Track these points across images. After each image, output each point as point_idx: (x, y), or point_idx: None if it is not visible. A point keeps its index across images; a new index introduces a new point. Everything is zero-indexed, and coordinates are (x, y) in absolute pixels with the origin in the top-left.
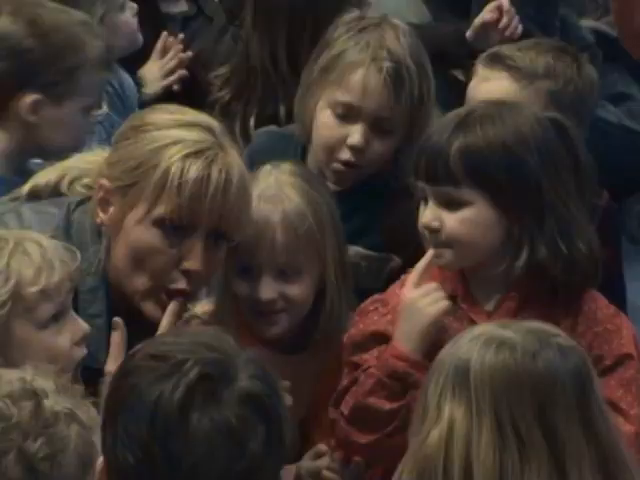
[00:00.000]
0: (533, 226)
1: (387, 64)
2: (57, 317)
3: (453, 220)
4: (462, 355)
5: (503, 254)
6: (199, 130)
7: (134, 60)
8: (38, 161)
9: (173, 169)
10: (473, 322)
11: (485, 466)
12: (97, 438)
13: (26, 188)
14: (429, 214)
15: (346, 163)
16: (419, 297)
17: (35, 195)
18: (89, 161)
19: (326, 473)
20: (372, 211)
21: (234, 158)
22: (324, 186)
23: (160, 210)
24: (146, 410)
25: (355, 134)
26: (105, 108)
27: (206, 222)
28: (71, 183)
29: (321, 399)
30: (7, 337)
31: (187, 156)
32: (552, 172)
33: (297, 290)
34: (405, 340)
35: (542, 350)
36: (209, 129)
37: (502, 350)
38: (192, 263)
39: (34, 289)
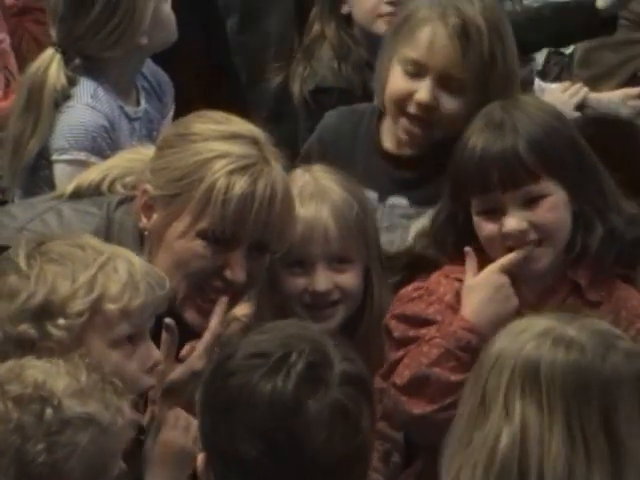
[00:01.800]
0: (596, 198)
1: (454, 20)
2: (132, 339)
3: (542, 214)
4: (530, 353)
5: (577, 234)
6: (244, 143)
7: (168, 56)
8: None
9: (218, 184)
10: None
11: (556, 469)
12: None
13: (70, 188)
14: (513, 220)
15: (414, 118)
16: (507, 284)
17: (78, 195)
18: (131, 159)
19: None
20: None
21: (278, 172)
22: (354, 181)
23: (204, 223)
24: (263, 404)
25: (422, 89)
26: (143, 104)
27: (250, 235)
28: (112, 183)
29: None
30: (79, 348)
31: (232, 172)
32: (590, 149)
33: (350, 279)
34: (477, 315)
35: (610, 353)
36: (254, 141)
37: (572, 351)
38: (235, 274)
39: (114, 306)
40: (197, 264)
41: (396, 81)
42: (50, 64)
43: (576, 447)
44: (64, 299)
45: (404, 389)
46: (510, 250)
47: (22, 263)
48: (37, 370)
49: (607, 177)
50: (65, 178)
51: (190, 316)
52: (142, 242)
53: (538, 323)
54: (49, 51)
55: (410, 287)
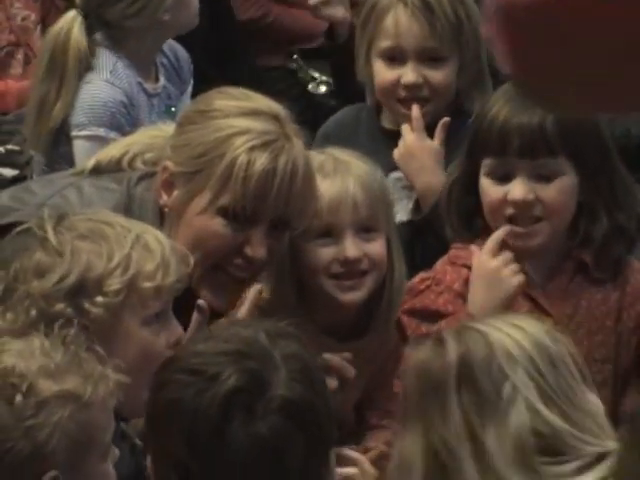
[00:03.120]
0: (605, 189)
1: None
2: (159, 317)
3: (551, 191)
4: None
5: (582, 220)
6: (265, 119)
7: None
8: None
9: (239, 161)
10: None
11: None
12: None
13: (90, 164)
14: (521, 189)
15: (408, 101)
16: (501, 266)
17: (98, 171)
18: (152, 135)
19: None
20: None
21: (299, 148)
22: None
23: (224, 200)
24: (183, 427)
25: (406, 72)
26: (162, 80)
27: (271, 212)
28: (133, 159)
29: (376, 381)
30: (114, 326)
31: (253, 148)
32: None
33: (378, 248)
34: (480, 309)
35: None
36: (275, 118)
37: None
38: (255, 250)
39: (150, 284)
40: (216, 242)
41: (380, 74)
42: (72, 26)
43: None
44: (100, 277)
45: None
46: (510, 221)
47: (51, 238)
48: (8, 354)
49: (624, 177)
50: (84, 154)
51: (205, 294)
52: (162, 219)
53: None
54: (71, 13)
55: (417, 279)
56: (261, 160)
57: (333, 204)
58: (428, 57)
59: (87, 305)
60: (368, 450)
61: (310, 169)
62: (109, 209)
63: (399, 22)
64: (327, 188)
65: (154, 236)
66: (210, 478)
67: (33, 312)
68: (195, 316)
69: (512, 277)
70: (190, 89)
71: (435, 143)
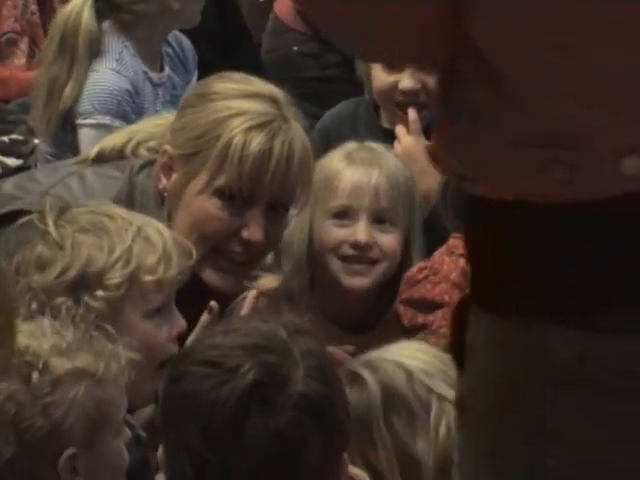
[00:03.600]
0: None
1: None
2: (161, 310)
3: None
4: None
5: None
6: (263, 101)
7: None
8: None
9: (235, 141)
10: None
11: None
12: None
13: (93, 152)
14: None
15: (405, 106)
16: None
17: (101, 159)
18: (156, 124)
19: None
20: None
21: (297, 130)
22: None
23: (221, 181)
24: (200, 419)
25: (404, 77)
26: (167, 70)
27: (267, 194)
28: (136, 147)
29: None
30: (115, 320)
31: (250, 129)
32: None
33: (392, 241)
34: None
35: None
36: (274, 100)
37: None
38: (252, 233)
39: (151, 278)
40: (214, 224)
41: (378, 77)
42: (83, 9)
43: None
44: (101, 271)
45: None
46: None
47: (52, 231)
48: (20, 335)
49: None
50: (90, 142)
51: (208, 275)
52: (164, 205)
53: None
54: None
55: (415, 269)
56: (257, 140)
57: (355, 187)
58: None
59: (88, 299)
60: None
61: (307, 151)
62: (111, 197)
63: None
64: (351, 173)
65: (155, 228)
66: (227, 471)
67: (34, 305)
68: (205, 316)
69: None
70: (195, 80)
71: None
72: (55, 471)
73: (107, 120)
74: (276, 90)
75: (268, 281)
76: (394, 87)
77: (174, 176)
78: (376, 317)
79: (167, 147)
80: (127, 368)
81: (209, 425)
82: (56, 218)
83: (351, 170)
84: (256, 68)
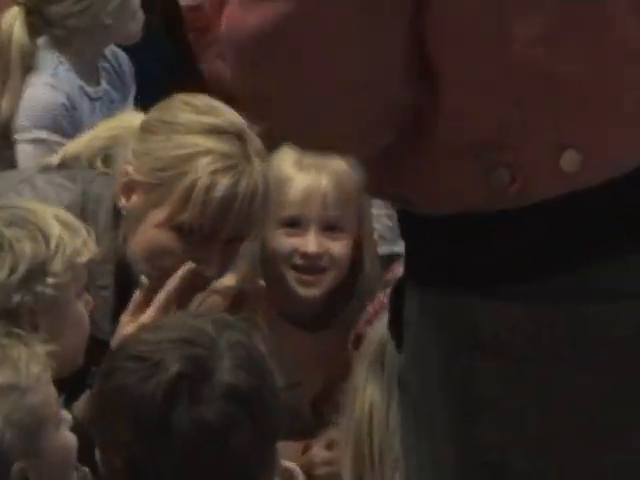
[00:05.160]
0: None
1: None
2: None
3: None
4: (383, 335)
5: None
6: (228, 139)
7: None
8: None
9: (200, 183)
10: None
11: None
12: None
13: (56, 159)
14: None
15: None
16: None
17: (64, 166)
18: (111, 127)
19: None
20: None
21: (259, 169)
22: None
23: (182, 218)
24: (129, 413)
25: None
26: (104, 84)
27: (228, 231)
28: (93, 156)
29: (334, 377)
30: (63, 304)
31: (215, 172)
32: None
33: (341, 248)
34: None
35: None
36: (239, 136)
37: None
38: (208, 270)
39: (82, 259)
40: (169, 259)
41: None
42: (14, 23)
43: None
44: (46, 260)
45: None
46: None
47: None
48: None
49: None
50: (27, 157)
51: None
52: (117, 218)
53: None
54: (14, 10)
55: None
56: (222, 184)
57: (303, 196)
58: None
59: (41, 288)
60: (309, 448)
61: (268, 188)
62: (64, 207)
63: None
64: (301, 180)
65: (64, 214)
66: (155, 463)
67: None
68: (136, 295)
69: None
70: (133, 94)
71: None
72: None
73: (44, 134)
74: (240, 122)
75: (224, 279)
76: None
77: (134, 198)
78: (330, 316)
79: (129, 169)
80: (48, 362)
81: (137, 419)
82: None
83: (300, 178)
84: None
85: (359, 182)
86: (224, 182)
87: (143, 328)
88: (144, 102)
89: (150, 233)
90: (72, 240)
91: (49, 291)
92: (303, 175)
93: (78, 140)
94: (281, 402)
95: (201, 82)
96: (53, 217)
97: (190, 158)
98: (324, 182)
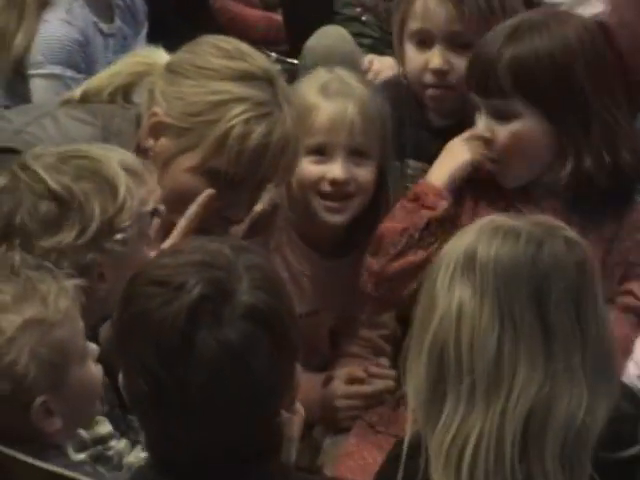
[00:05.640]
0: (579, 136)
1: None
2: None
3: (504, 132)
4: (469, 243)
5: (550, 165)
6: (260, 86)
7: None
8: None
9: (234, 132)
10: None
11: (485, 344)
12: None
13: (77, 93)
14: (481, 125)
15: (434, 86)
16: (460, 140)
17: (86, 101)
18: (135, 63)
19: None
20: None
21: (290, 116)
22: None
23: (215, 164)
24: (152, 337)
25: (434, 56)
26: (117, 21)
27: (258, 180)
28: (115, 91)
29: (352, 306)
30: (131, 256)
31: (249, 120)
32: (599, 80)
33: (367, 174)
34: (433, 176)
35: (548, 241)
36: (270, 81)
37: (508, 239)
38: (236, 213)
39: (148, 209)
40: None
41: (410, 56)
42: None
43: (505, 326)
44: (114, 216)
45: (371, 253)
46: None
47: (53, 185)
48: None
49: (605, 118)
50: (42, 92)
51: None
52: (141, 157)
53: (486, 218)
54: None
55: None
56: (256, 133)
57: (330, 124)
58: (455, 43)
59: (110, 245)
60: (332, 379)
61: (297, 136)
62: (86, 141)
63: (428, 5)
64: (327, 108)
65: (131, 158)
66: (179, 384)
67: (65, 264)
68: (155, 221)
69: (466, 152)
70: (145, 31)
71: None
72: (29, 419)
73: (58, 70)
74: (269, 67)
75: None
76: (425, 66)
77: (162, 140)
78: (353, 243)
79: (158, 110)
80: (77, 296)
81: (161, 342)
82: (45, 168)
83: (326, 105)
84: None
85: (383, 108)
86: (258, 131)
87: (159, 254)
88: (155, 38)
89: (181, 177)
90: (138, 189)
91: (117, 247)
92: (329, 103)
93: (100, 75)
94: (296, 320)
95: (211, 18)
96: (119, 164)
97: (223, 104)
98: (350, 109)
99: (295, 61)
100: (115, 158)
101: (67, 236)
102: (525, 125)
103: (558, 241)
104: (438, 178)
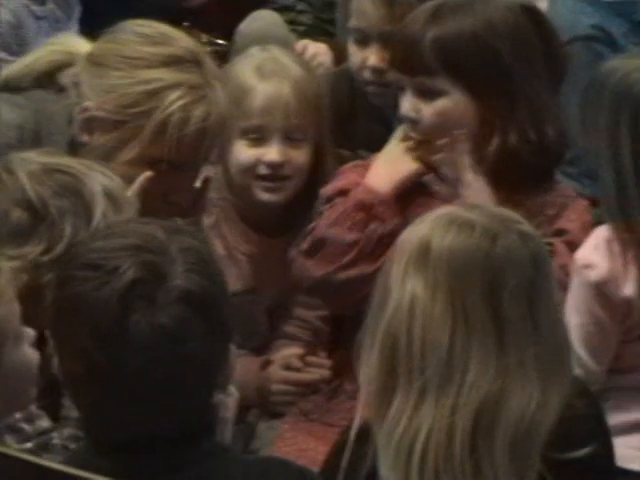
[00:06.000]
0: (505, 113)
1: None
2: None
3: (429, 110)
4: (424, 235)
5: (476, 143)
6: (189, 68)
7: None
8: None
9: (173, 119)
10: None
11: (437, 339)
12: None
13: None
14: (407, 104)
15: (374, 83)
16: (398, 146)
17: (6, 88)
18: (53, 51)
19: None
20: None
21: (222, 93)
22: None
23: (156, 153)
24: (86, 320)
25: (371, 56)
26: (50, 4)
27: (199, 160)
28: (36, 79)
29: (291, 288)
30: None
31: (186, 105)
32: (523, 58)
33: (302, 156)
34: (377, 179)
35: (502, 234)
36: (197, 63)
37: (462, 231)
38: (179, 197)
39: None
40: (141, 194)
41: (351, 52)
42: None
43: (457, 320)
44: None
45: (307, 253)
46: None
47: (31, 195)
48: None
49: (529, 96)
50: None
51: None
52: (75, 150)
53: (441, 209)
54: None
55: (351, 163)
56: (195, 118)
57: (265, 107)
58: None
59: None
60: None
61: (231, 113)
62: (17, 124)
63: (360, 5)
64: (262, 90)
65: (114, 184)
66: (115, 367)
67: (24, 278)
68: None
69: (408, 162)
70: (78, 14)
71: None
72: None
73: None
74: (195, 47)
75: None
76: (364, 64)
77: (97, 135)
78: (291, 222)
79: (89, 105)
80: (12, 276)
81: (95, 326)
82: (28, 175)
83: (260, 87)
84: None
85: (319, 89)
86: (196, 115)
87: (90, 236)
88: (88, 22)
89: (121, 170)
90: (113, 217)
91: None
92: (264, 84)
93: (21, 61)
94: (230, 304)
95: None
96: (101, 188)
97: (157, 93)
98: (285, 91)
99: (226, 42)
100: (98, 180)
101: (33, 250)
102: (450, 103)
103: (512, 235)
104: (382, 187)
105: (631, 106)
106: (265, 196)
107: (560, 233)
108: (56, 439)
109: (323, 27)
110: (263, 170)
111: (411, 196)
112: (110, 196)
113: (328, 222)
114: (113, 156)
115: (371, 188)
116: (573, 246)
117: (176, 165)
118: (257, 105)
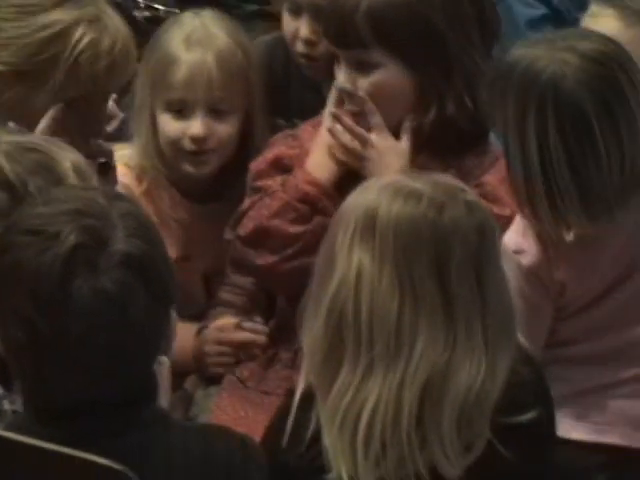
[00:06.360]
0: (441, 83)
1: None
2: None
3: (365, 83)
4: (370, 204)
5: (414, 112)
6: (82, 2)
7: None
8: None
9: (83, 57)
10: None
11: (384, 311)
12: None
13: None
14: (343, 77)
15: (305, 55)
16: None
17: None
18: None
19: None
20: None
21: (118, 18)
22: (246, 34)
23: (71, 93)
24: (28, 286)
25: (302, 28)
26: None
27: (114, 90)
28: None
29: (225, 253)
30: None
31: (92, 41)
32: (457, 26)
33: (228, 129)
34: (319, 169)
35: (449, 204)
36: None
37: (409, 201)
38: (100, 128)
39: None
40: (67, 135)
41: (284, 22)
42: None
43: (405, 293)
44: None
45: (247, 241)
46: None
47: (9, 175)
48: None
49: (465, 64)
50: None
51: None
52: None
53: (386, 178)
54: None
55: (280, 134)
56: (103, 51)
57: (188, 79)
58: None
59: None
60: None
61: (131, 36)
62: None
63: None
64: (186, 60)
65: (82, 160)
66: (57, 333)
67: None
68: None
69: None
70: None
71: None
72: None
73: None
74: None
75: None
76: (296, 34)
77: (5, 91)
78: (223, 189)
79: None
80: None
81: (37, 291)
82: (5, 155)
83: (185, 58)
84: None
85: (246, 58)
86: (104, 47)
87: (31, 203)
88: None
89: (40, 116)
90: None
91: None
92: (188, 55)
93: None
94: (171, 268)
95: None
96: (70, 163)
97: (60, 35)
98: (209, 63)
99: (161, 7)
100: (68, 158)
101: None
102: (386, 75)
103: (459, 205)
104: (324, 176)
105: (537, 97)
106: (190, 168)
107: (479, 186)
108: (6, 405)
109: None
110: (188, 144)
111: (349, 183)
112: (78, 171)
113: (270, 212)
114: (25, 106)
115: (313, 179)
116: (490, 197)
117: (92, 100)
118: (180, 77)
